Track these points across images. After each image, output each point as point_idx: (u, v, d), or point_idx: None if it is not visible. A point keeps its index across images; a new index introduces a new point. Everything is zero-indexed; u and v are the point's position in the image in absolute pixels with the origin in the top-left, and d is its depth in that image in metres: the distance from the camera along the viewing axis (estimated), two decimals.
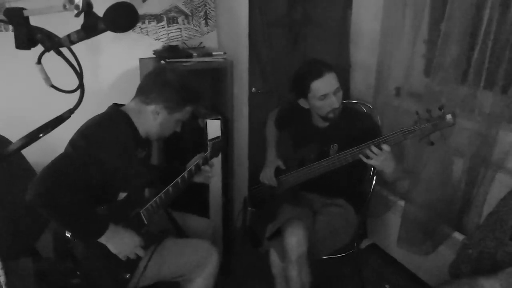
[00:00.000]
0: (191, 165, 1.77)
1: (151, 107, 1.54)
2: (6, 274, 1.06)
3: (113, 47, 2.18)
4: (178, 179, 1.69)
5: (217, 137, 1.89)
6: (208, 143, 1.82)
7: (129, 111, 1.55)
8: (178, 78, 1.57)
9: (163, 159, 2.19)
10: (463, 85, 1.96)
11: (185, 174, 1.71)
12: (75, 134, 1.45)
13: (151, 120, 1.56)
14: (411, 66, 2.27)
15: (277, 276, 1.98)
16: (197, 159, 1.79)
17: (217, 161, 2.22)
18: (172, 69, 1.61)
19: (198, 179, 1.81)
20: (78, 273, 1.45)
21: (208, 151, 1.80)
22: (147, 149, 1.69)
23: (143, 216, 1.59)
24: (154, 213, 1.63)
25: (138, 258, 1.53)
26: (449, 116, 1.55)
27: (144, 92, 1.56)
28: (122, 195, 1.53)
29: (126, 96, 2.25)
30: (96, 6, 0.78)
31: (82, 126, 1.47)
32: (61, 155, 1.38)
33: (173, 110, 1.56)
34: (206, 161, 1.79)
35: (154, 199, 1.62)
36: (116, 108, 1.57)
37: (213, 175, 1.84)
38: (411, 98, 2.31)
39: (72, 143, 1.42)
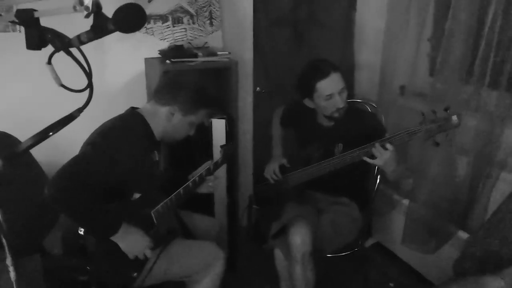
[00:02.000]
0: (197, 172, 1.79)
1: (166, 108, 1.57)
2: (16, 271, 1.07)
3: (119, 47, 2.20)
4: (190, 183, 1.72)
5: (230, 143, 1.91)
6: (220, 149, 1.84)
7: (144, 113, 1.59)
8: (193, 82, 1.61)
9: (168, 158, 2.20)
10: (468, 84, 1.96)
11: (196, 178, 1.73)
12: (93, 134, 1.49)
13: (166, 121, 1.59)
14: (416, 65, 2.28)
15: (282, 274, 1.99)
16: (206, 165, 1.81)
17: None
18: (187, 76, 1.64)
19: (201, 189, 1.83)
20: (88, 268, 1.47)
21: (220, 156, 1.83)
22: (159, 153, 1.72)
23: (153, 217, 1.61)
24: (164, 214, 1.65)
25: (146, 258, 1.55)
26: (454, 117, 1.55)
27: (160, 93, 1.60)
28: (136, 195, 1.56)
29: (131, 96, 2.28)
30: (104, 7, 0.80)
31: (100, 127, 1.51)
32: (80, 154, 1.42)
33: (188, 112, 1.59)
34: (216, 168, 1.82)
35: (165, 200, 1.64)
36: (133, 111, 1.60)
37: (216, 186, 1.86)
38: (415, 97, 2.32)
39: (92, 143, 1.44)
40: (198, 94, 1.60)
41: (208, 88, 1.67)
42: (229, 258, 2.33)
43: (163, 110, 1.58)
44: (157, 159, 1.68)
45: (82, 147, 1.47)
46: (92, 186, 1.35)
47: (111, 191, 1.45)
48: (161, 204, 1.63)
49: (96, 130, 1.51)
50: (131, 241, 1.48)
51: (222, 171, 2.25)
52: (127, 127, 1.52)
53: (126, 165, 1.44)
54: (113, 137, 1.46)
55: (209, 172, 1.79)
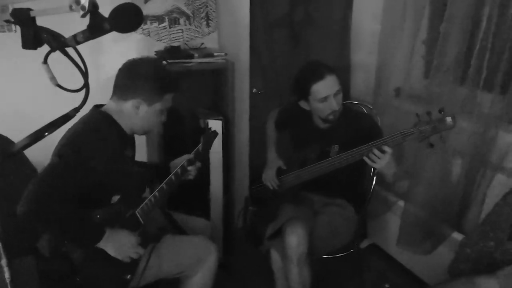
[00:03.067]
0: (178, 163, 1.75)
1: (130, 103, 1.50)
2: (11, 272, 1.07)
3: (115, 48, 2.19)
4: (172, 176, 1.67)
5: (209, 129, 1.87)
6: (201, 137, 1.81)
7: (110, 111, 1.53)
8: (151, 68, 1.52)
9: (164, 160, 2.19)
10: (463, 86, 1.97)
11: (178, 170, 1.70)
12: (59, 143, 1.42)
13: (133, 115, 1.52)
14: (411, 67, 2.29)
15: (278, 275, 1.99)
16: (185, 157, 1.78)
17: (218, 160, 2.23)
18: (143, 60, 1.56)
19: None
20: (78, 279, 1.43)
21: (200, 144, 1.79)
22: (133, 148, 1.68)
23: (139, 216, 1.56)
24: (149, 212, 1.61)
25: (139, 257, 1.53)
26: (449, 119, 1.56)
27: (120, 89, 1.53)
28: (115, 198, 1.51)
29: None
30: (101, 6, 0.80)
31: (66, 134, 1.44)
32: (48, 166, 1.35)
33: (153, 101, 1.52)
34: (197, 157, 1.77)
35: (149, 197, 1.60)
36: (98, 111, 1.54)
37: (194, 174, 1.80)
38: (410, 99, 2.33)
39: (58, 153, 1.38)
40: (158, 80, 1.51)
41: (167, 71, 1.57)
42: (225, 259, 2.35)
43: (127, 105, 1.50)
44: (130, 155, 1.64)
45: (51, 157, 1.40)
46: (65, 198, 1.30)
47: (88, 197, 1.39)
48: (145, 202, 1.58)
49: (62, 137, 1.43)
50: (118, 245, 1.44)
51: (218, 166, 2.24)
52: (94, 130, 1.45)
53: (98, 168, 1.38)
54: (79, 142, 1.40)
55: (191, 162, 1.75)
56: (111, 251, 1.44)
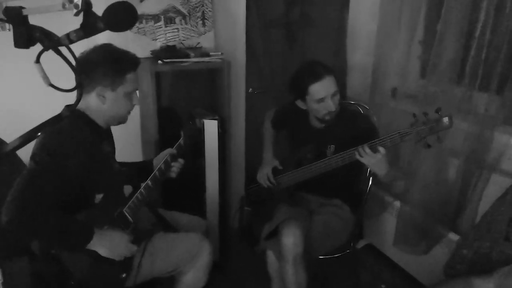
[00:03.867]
0: (160, 158, 1.73)
1: (93, 94, 1.47)
2: (3, 273, 1.05)
3: None
4: (156, 172, 1.66)
5: (190, 123, 1.85)
6: (181, 132, 1.79)
7: (81, 108, 1.49)
8: (101, 53, 1.47)
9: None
10: (459, 86, 1.98)
11: (162, 165, 1.68)
12: (34, 147, 1.38)
13: (101, 105, 1.49)
14: (407, 67, 2.29)
15: (274, 276, 1.98)
16: (168, 151, 1.76)
17: (214, 160, 2.22)
18: (92, 49, 1.49)
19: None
20: (72, 283, 1.42)
21: (181, 138, 1.77)
22: (111, 142, 1.66)
23: (127, 215, 1.55)
24: (137, 209, 1.59)
25: (133, 255, 1.52)
26: (445, 119, 1.56)
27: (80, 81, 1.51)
28: (99, 197, 1.49)
29: None
30: (94, 5, 0.78)
31: (39, 137, 1.38)
32: (26, 172, 1.32)
33: (115, 84, 1.47)
34: (180, 151, 1.75)
35: (135, 195, 1.58)
36: (68, 109, 1.52)
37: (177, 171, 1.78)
38: (407, 99, 2.33)
39: (34, 158, 1.35)
40: (113, 62, 1.46)
41: (119, 50, 1.50)
42: (220, 259, 2.34)
43: (92, 96, 1.47)
44: (109, 149, 1.61)
45: (29, 162, 1.37)
46: (46, 204, 1.28)
47: (70, 199, 1.38)
48: (132, 199, 1.57)
49: (36, 142, 1.39)
50: (110, 244, 1.43)
51: (214, 166, 2.23)
52: (66, 129, 1.41)
53: (78, 168, 1.36)
54: (53, 144, 1.36)
55: (174, 157, 1.74)
56: (104, 252, 1.42)
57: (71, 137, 1.42)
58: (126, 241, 1.48)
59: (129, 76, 1.50)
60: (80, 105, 1.50)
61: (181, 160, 1.79)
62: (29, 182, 1.29)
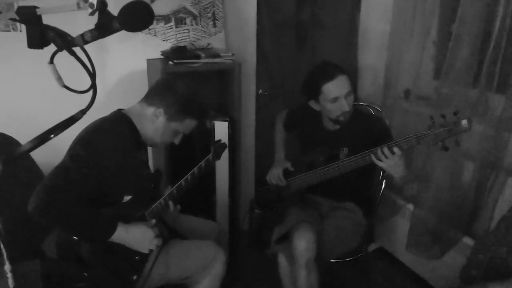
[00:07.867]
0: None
1: (152, 109, 1.53)
2: (14, 276, 1.04)
3: (121, 48, 2.17)
4: (182, 181, 1.67)
5: (220, 141, 1.87)
6: (211, 148, 1.80)
7: (131, 114, 1.55)
8: (185, 88, 1.56)
9: (169, 161, 2.17)
10: (474, 88, 1.94)
11: (188, 176, 1.69)
12: (74, 142, 1.43)
13: (150, 122, 1.54)
14: (420, 68, 2.25)
15: (285, 280, 1.96)
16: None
17: (224, 163, 2.20)
18: (183, 81, 1.59)
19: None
20: (86, 274, 1.44)
21: (211, 153, 1.78)
22: (146, 153, 1.68)
23: (148, 218, 1.57)
24: (159, 214, 1.62)
25: (145, 259, 1.52)
26: (464, 122, 1.51)
27: (150, 93, 1.57)
28: (127, 198, 1.52)
29: (133, 97, 2.24)
30: (109, 4, 0.77)
31: (81, 133, 1.45)
32: (60, 165, 1.37)
33: (172, 118, 1.53)
34: (207, 165, 1.77)
35: (159, 200, 1.61)
36: (118, 112, 1.56)
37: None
38: (420, 101, 2.29)
39: (71, 152, 1.39)
40: (187, 102, 1.54)
41: (199, 98, 1.61)
42: (230, 262, 2.32)
43: (149, 110, 1.53)
44: (145, 158, 1.64)
45: (65, 154, 1.42)
46: (75, 197, 1.31)
47: (99, 196, 1.41)
48: (155, 204, 1.59)
49: (78, 136, 1.44)
50: (137, 235, 1.45)
51: (224, 168, 2.22)
52: (108, 130, 1.46)
53: (109, 168, 1.39)
54: (92, 143, 1.41)
55: (201, 169, 1.74)
56: (130, 242, 1.44)
57: (110, 136, 1.45)
58: (151, 234, 1.49)
59: (188, 121, 1.57)
60: (132, 110, 1.56)
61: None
62: (61, 174, 1.33)
